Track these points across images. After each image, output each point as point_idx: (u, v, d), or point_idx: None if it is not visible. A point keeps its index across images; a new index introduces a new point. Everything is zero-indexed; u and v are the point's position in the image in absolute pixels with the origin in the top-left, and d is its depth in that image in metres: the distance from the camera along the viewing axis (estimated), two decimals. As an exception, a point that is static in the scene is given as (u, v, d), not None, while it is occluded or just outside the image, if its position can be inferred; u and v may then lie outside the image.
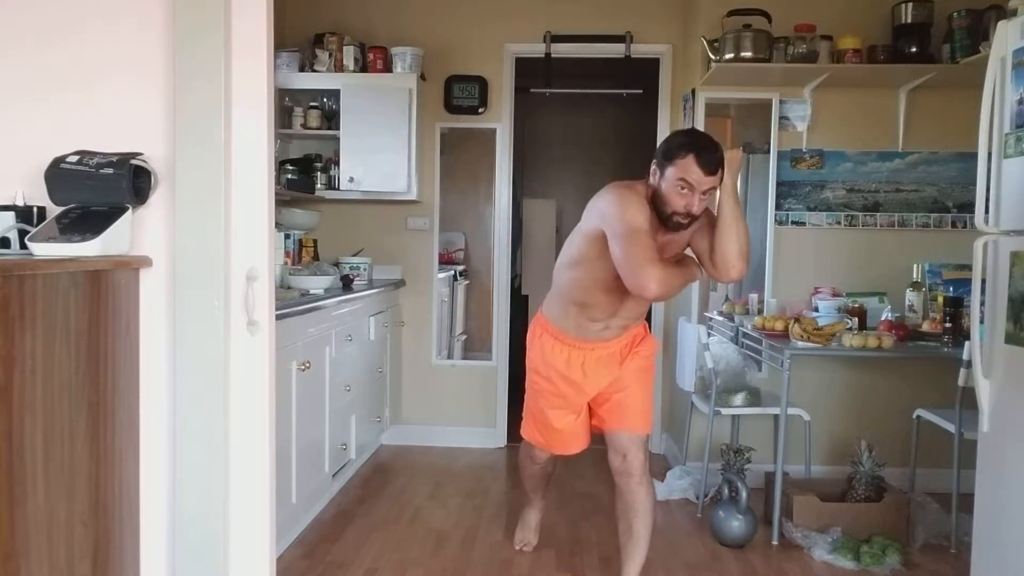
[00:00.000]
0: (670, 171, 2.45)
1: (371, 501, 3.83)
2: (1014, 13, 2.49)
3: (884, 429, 3.94)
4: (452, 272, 5.55)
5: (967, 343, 2.92)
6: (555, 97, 5.77)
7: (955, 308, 3.48)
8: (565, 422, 2.89)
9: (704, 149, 2.43)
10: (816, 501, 3.33)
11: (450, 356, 5.29)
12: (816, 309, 3.76)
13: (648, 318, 4.41)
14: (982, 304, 2.57)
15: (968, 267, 2.74)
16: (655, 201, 2.51)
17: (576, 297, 2.73)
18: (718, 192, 2.49)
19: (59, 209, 2.04)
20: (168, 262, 2.09)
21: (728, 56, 3.83)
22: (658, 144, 2.67)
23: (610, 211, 2.51)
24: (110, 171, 1.99)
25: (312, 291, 3.67)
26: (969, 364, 2.82)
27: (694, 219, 2.51)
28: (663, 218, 2.50)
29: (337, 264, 4.45)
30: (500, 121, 4.83)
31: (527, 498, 3.32)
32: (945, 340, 3.45)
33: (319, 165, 4.74)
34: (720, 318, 4.18)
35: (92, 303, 1.93)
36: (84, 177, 1.99)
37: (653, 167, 2.53)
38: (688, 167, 2.41)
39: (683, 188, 2.43)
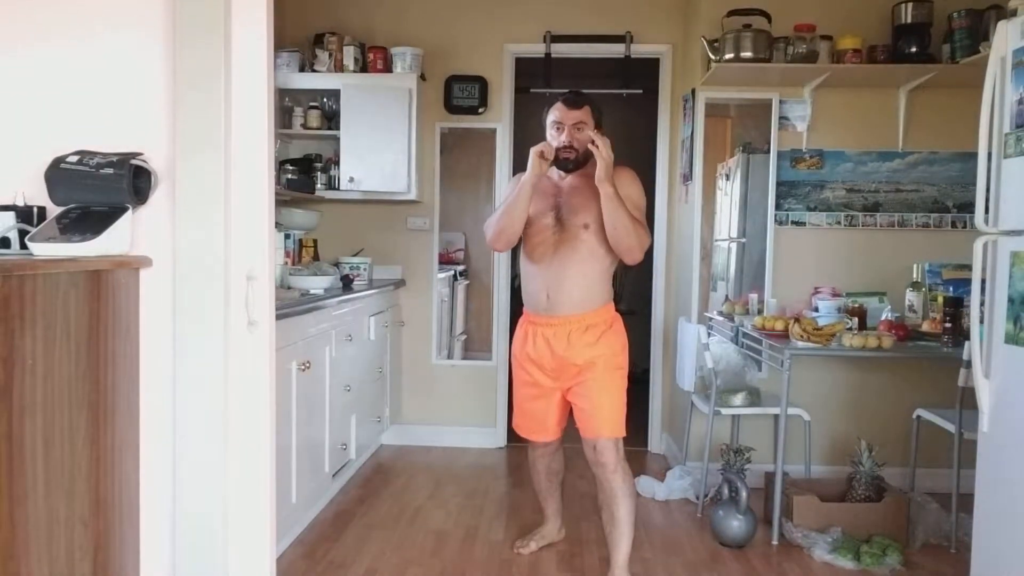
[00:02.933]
0: (548, 121, 2.94)
1: (371, 501, 3.83)
2: (1014, 13, 2.49)
3: (884, 429, 3.95)
4: (452, 272, 5.54)
5: (967, 343, 2.92)
6: (555, 97, 5.76)
7: (955, 308, 3.48)
8: (535, 405, 3.03)
9: (568, 95, 2.92)
10: (816, 501, 3.33)
11: (450, 356, 5.29)
12: (816, 309, 3.77)
13: (648, 317, 4.39)
14: (982, 304, 2.57)
15: (968, 267, 2.74)
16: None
17: (525, 269, 3.02)
18: (590, 133, 2.83)
19: (59, 209, 2.04)
20: (168, 262, 2.09)
21: (728, 56, 3.83)
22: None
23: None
24: (110, 171, 1.99)
25: (312, 291, 3.67)
26: (969, 364, 2.83)
27: (577, 152, 2.86)
28: (556, 162, 2.89)
29: (337, 264, 4.45)
30: (500, 121, 4.83)
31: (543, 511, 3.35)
32: (945, 340, 3.45)
33: (319, 165, 4.74)
34: (720, 318, 4.18)
35: (92, 303, 1.93)
36: (84, 177, 2.00)
37: (545, 128, 2.97)
38: (554, 109, 2.92)
39: (558, 128, 2.89)
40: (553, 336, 2.89)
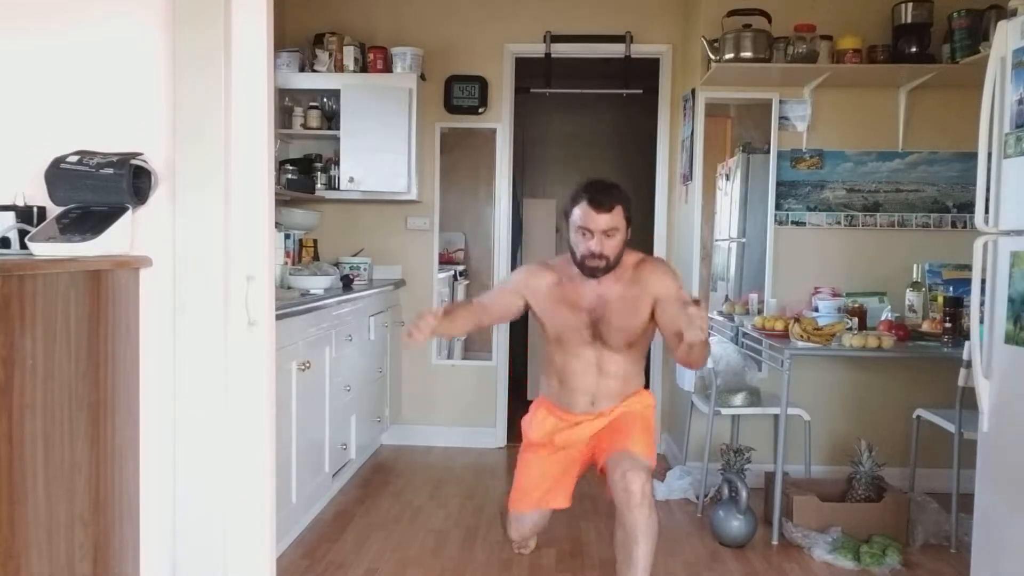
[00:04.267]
0: (571, 221, 2.59)
1: (371, 501, 3.83)
2: (1014, 13, 2.49)
3: (884, 429, 3.94)
4: (452, 272, 5.54)
5: (967, 343, 2.92)
6: (555, 97, 5.77)
7: (955, 308, 3.48)
8: (551, 472, 2.81)
9: (595, 192, 2.54)
10: (816, 501, 3.33)
11: (450, 356, 5.28)
12: (816, 309, 3.77)
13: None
14: (982, 304, 2.57)
15: (968, 267, 2.74)
16: (573, 258, 2.63)
17: (556, 372, 2.78)
18: (625, 235, 2.59)
19: (59, 209, 2.04)
20: (168, 262, 2.09)
21: (728, 56, 3.83)
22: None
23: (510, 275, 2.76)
24: (110, 171, 1.99)
25: (312, 291, 3.67)
26: (969, 364, 2.82)
27: (607, 260, 2.57)
28: (580, 267, 2.60)
29: (337, 264, 4.45)
30: (500, 121, 4.83)
31: None
32: (945, 340, 3.45)
33: (319, 165, 4.74)
34: (720, 318, 4.18)
35: (92, 303, 1.93)
36: (84, 177, 2.00)
37: (565, 225, 2.66)
38: (584, 212, 2.54)
39: (584, 233, 2.55)
40: (588, 425, 2.75)
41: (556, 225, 7.17)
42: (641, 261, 2.69)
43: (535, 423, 2.86)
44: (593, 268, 2.58)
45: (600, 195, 2.54)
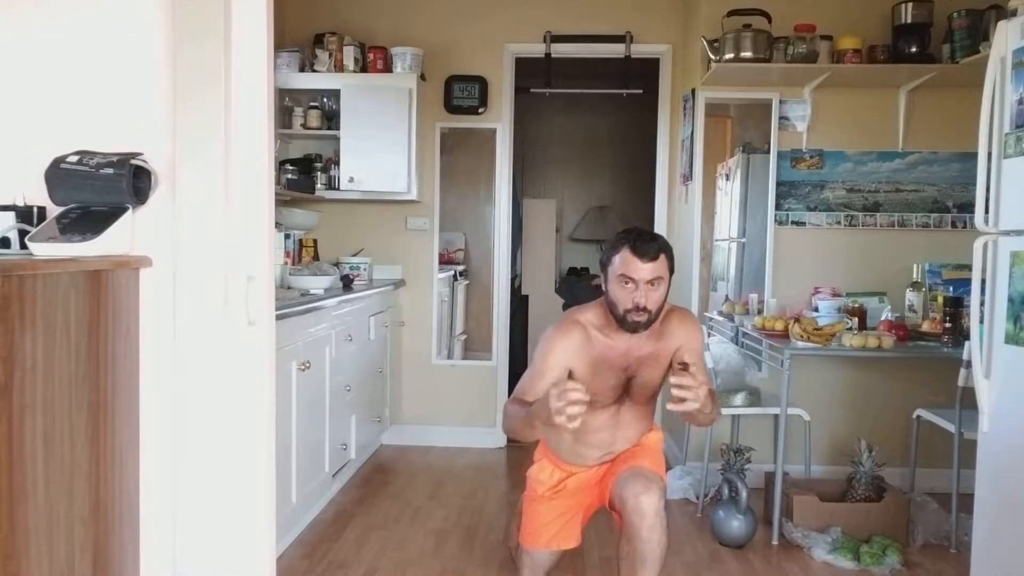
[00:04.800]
0: (610, 270, 2.39)
1: (371, 501, 3.83)
2: (1014, 13, 2.49)
3: (884, 429, 3.94)
4: (452, 272, 5.54)
5: (967, 343, 2.92)
6: (555, 97, 5.78)
7: (955, 308, 3.48)
8: (565, 514, 2.67)
9: (638, 239, 2.35)
10: (816, 501, 3.33)
11: (450, 356, 5.29)
12: (816, 309, 3.76)
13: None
14: (982, 304, 2.57)
15: (968, 267, 2.74)
16: (612, 310, 2.41)
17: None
18: (668, 286, 2.40)
19: (59, 209, 2.04)
20: (168, 262, 2.09)
21: (728, 56, 3.82)
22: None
23: (538, 347, 2.50)
24: (110, 171, 1.99)
25: (312, 291, 3.67)
26: (969, 364, 2.82)
27: (650, 314, 2.36)
28: (621, 322, 2.39)
29: (337, 264, 4.45)
30: (500, 121, 4.83)
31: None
32: (945, 340, 3.45)
33: (319, 165, 4.74)
34: (720, 318, 4.18)
35: (92, 303, 1.92)
36: (84, 177, 1.99)
37: (600, 273, 2.47)
38: (625, 260, 2.34)
39: (626, 283, 2.34)
40: (598, 468, 2.63)
41: (556, 225, 7.19)
42: (669, 311, 2.53)
43: (543, 478, 2.69)
44: (636, 323, 2.37)
45: (643, 242, 2.34)
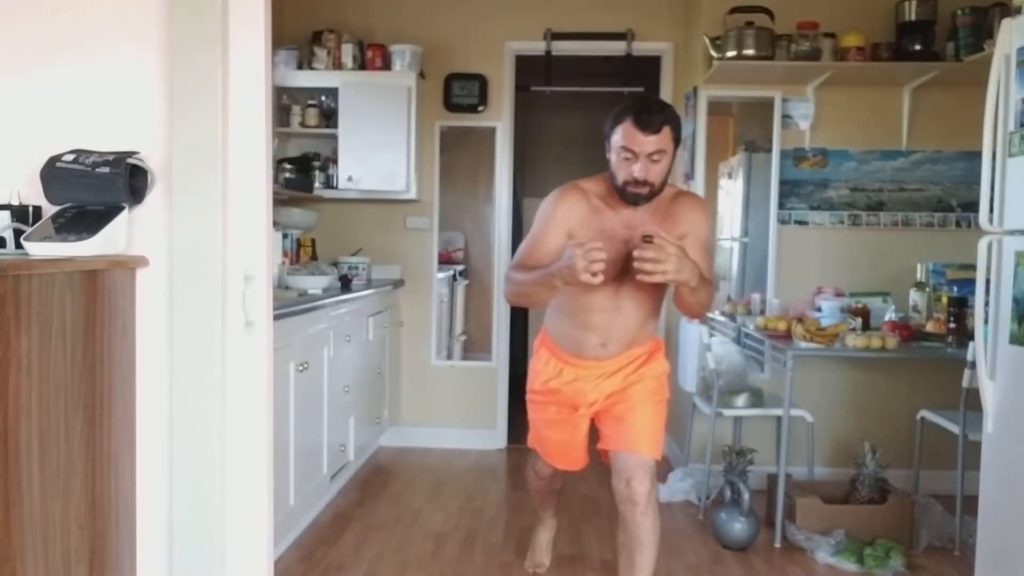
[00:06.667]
0: (613, 140, 2.32)
1: (370, 503, 3.81)
2: (1018, 10, 2.47)
3: (888, 430, 3.92)
4: (452, 272, 5.53)
5: (971, 344, 2.90)
6: (556, 95, 5.74)
7: (959, 308, 3.46)
8: (562, 437, 2.68)
9: (642, 111, 2.26)
10: (819, 503, 3.31)
11: (449, 357, 5.27)
12: (819, 309, 3.74)
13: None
14: (986, 304, 2.56)
15: (972, 267, 2.71)
16: (612, 181, 2.36)
17: (567, 306, 2.54)
18: (672, 159, 2.33)
19: (55, 208, 2.02)
20: (165, 262, 2.07)
21: (730, 54, 3.81)
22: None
23: (539, 212, 2.49)
24: (106, 170, 1.97)
25: (310, 291, 3.64)
26: (973, 365, 2.80)
27: (652, 187, 2.31)
28: (621, 194, 2.34)
29: (335, 264, 4.43)
30: (500, 119, 4.81)
31: (537, 516, 3.10)
32: (949, 341, 3.43)
33: (317, 164, 4.71)
34: (722, 318, 4.16)
35: (88, 303, 1.91)
36: (80, 176, 1.97)
37: (605, 142, 2.38)
38: (627, 131, 2.26)
39: (627, 155, 2.28)
40: (596, 375, 2.55)
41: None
42: (678, 194, 2.48)
43: (540, 368, 2.65)
44: (635, 195, 2.31)
45: (647, 114, 2.25)
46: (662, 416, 2.56)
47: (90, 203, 1.99)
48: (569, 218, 2.42)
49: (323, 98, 4.67)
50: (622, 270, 2.38)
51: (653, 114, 2.26)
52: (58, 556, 1.83)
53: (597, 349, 2.52)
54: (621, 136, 2.28)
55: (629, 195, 2.33)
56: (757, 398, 3.73)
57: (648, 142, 2.25)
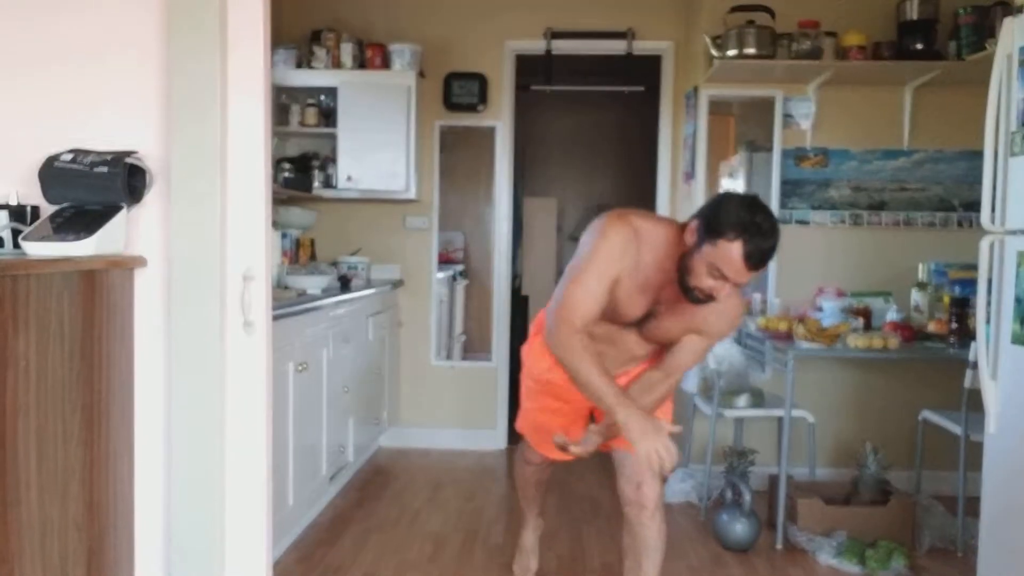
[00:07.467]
0: (708, 249, 2.05)
1: (369, 504, 3.80)
2: (1020, 10, 2.47)
3: (889, 431, 3.91)
4: (451, 272, 5.51)
5: (973, 344, 2.89)
6: (556, 94, 5.74)
7: (961, 308, 3.45)
8: (554, 423, 2.57)
9: (756, 236, 2.02)
10: (821, 504, 3.30)
11: (449, 357, 5.25)
12: (820, 309, 3.73)
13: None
14: (988, 304, 2.55)
15: (974, 267, 2.70)
16: (682, 257, 2.14)
17: None
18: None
19: (53, 208, 2.01)
20: (163, 262, 2.06)
21: (731, 53, 3.80)
22: (711, 215, 2.11)
23: (589, 241, 2.23)
24: (104, 169, 1.96)
25: (309, 291, 3.63)
26: (975, 365, 2.80)
27: (716, 300, 2.16)
28: (681, 284, 2.15)
29: (335, 264, 4.42)
30: (500, 119, 4.80)
31: (522, 517, 3.00)
32: (951, 341, 3.42)
33: (316, 163, 4.70)
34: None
35: (86, 303, 1.90)
36: (78, 176, 1.97)
37: (696, 224, 2.11)
38: (732, 260, 2.03)
39: (717, 275, 2.06)
40: None
41: (557, 224, 7.15)
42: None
43: (534, 354, 2.57)
44: (695, 300, 2.15)
45: (761, 249, 2.03)
46: (669, 417, 2.48)
47: (88, 203, 1.99)
48: (624, 257, 2.19)
49: (322, 97, 4.66)
50: (640, 323, 2.32)
51: (765, 248, 2.04)
52: (56, 558, 1.83)
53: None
54: (723, 259, 2.04)
55: (692, 296, 2.15)
56: (758, 399, 3.72)
57: (744, 276, 2.07)
